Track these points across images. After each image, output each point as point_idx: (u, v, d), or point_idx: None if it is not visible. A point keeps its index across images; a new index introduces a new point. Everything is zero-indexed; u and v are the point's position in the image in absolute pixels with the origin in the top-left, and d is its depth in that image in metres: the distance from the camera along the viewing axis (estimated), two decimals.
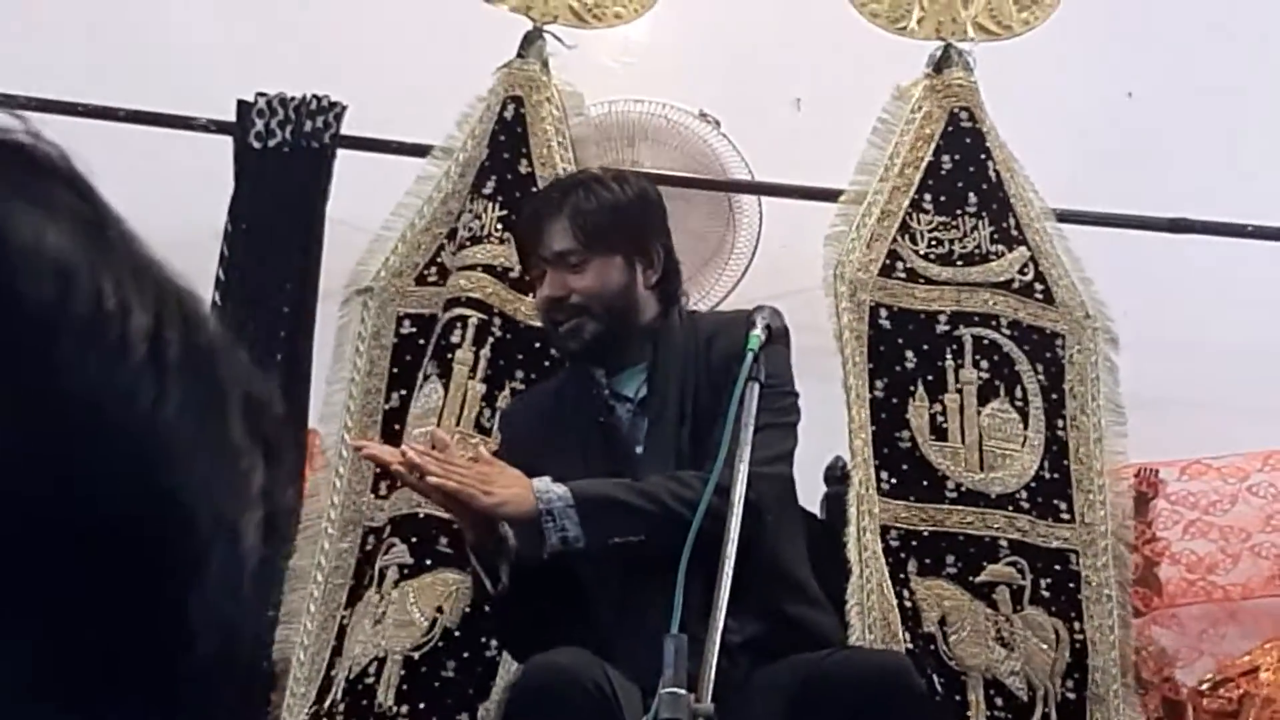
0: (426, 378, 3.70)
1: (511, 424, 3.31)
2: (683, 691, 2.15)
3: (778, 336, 3.05)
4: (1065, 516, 3.68)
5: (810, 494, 3.43)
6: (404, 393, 3.75)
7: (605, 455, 3.03)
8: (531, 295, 3.76)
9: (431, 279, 3.87)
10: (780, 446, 3.01)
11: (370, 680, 3.43)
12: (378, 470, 3.73)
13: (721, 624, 2.37)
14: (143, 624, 0.63)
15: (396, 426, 3.71)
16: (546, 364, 3.70)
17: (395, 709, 3.39)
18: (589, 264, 3.06)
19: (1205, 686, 4.04)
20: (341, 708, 3.42)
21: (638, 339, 3.07)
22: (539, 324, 3.74)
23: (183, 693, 0.65)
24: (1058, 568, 3.64)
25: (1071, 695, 3.56)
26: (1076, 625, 3.61)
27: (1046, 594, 3.61)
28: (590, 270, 3.06)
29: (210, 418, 0.65)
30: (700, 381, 3.00)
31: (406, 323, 3.85)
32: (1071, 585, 3.64)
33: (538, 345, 3.71)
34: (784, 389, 3.03)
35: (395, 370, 3.81)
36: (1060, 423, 3.76)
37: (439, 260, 3.88)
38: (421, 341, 3.78)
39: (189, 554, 0.64)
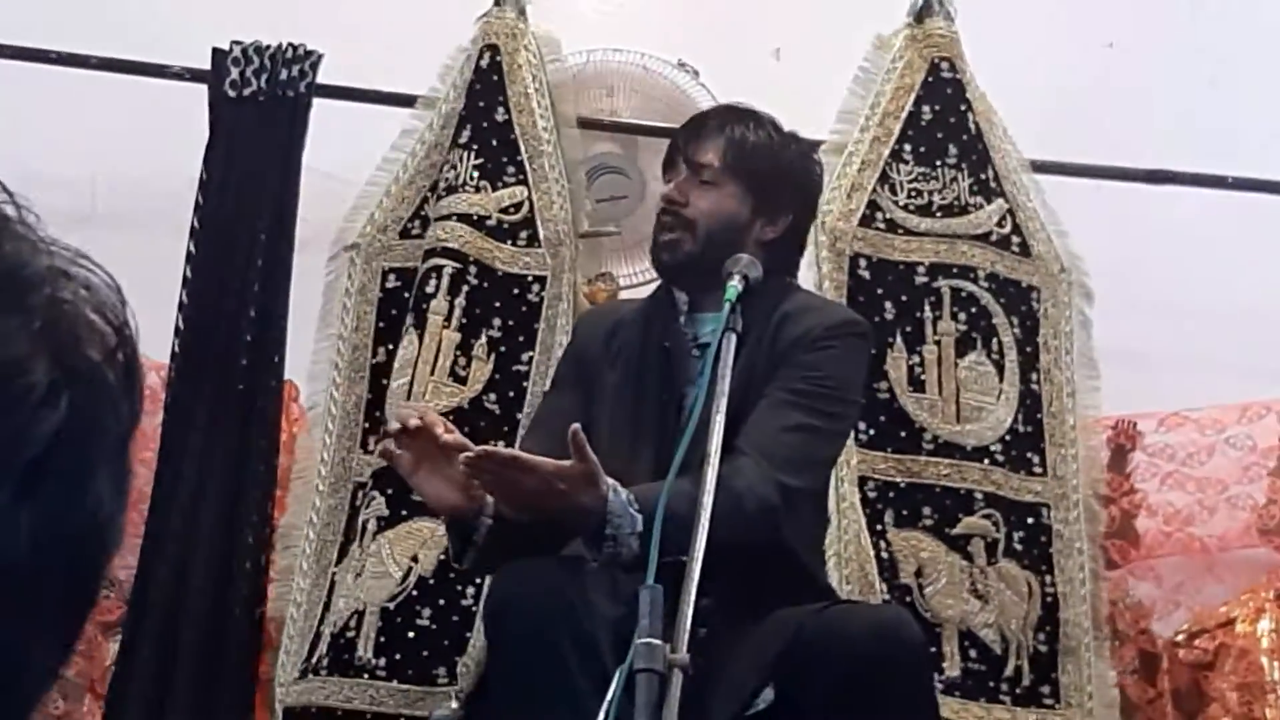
0: (405, 330, 3.69)
1: (584, 325, 3.26)
2: (658, 642, 2.12)
3: (846, 336, 2.98)
4: (1037, 470, 3.68)
5: None
6: (390, 347, 3.74)
7: (659, 382, 2.96)
8: (509, 243, 3.76)
9: (415, 232, 3.86)
10: (813, 452, 2.90)
11: (351, 634, 3.43)
12: (365, 426, 3.72)
13: (698, 576, 2.34)
14: None
15: (384, 381, 3.71)
16: (524, 309, 3.69)
17: (374, 661, 3.39)
18: (717, 187, 3.01)
19: (1181, 638, 4.05)
20: (325, 662, 3.42)
21: (749, 293, 2.84)
22: (516, 271, 3.73)
23: None
24: (1030, 521, 3.64)
25: (1043, 648, 3.57)
26: (1048, 578, 3.61)
27: (1019, 547, 3.61)
28: (715, 193, 3.01)
29: None
30: (760, 356, 2.94)
31: (391, 277, 3.84)
32: (1043, 539, 3.64)
33: (515, 292, 3.70)
34: (830, 387, 2.89)
35: (381, 325, 3.80)
36: (1034, 376, 3.75)
37: (422, 213, 3.86)
38: (406, 295, 3.77)
39: None
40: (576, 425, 2.58)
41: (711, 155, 3.04)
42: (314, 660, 3.45)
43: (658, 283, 3.18)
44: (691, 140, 3.08)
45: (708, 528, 2.32)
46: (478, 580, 3.43)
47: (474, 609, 3.40)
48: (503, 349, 3.66)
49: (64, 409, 0.67)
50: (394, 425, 2.66)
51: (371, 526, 3.52)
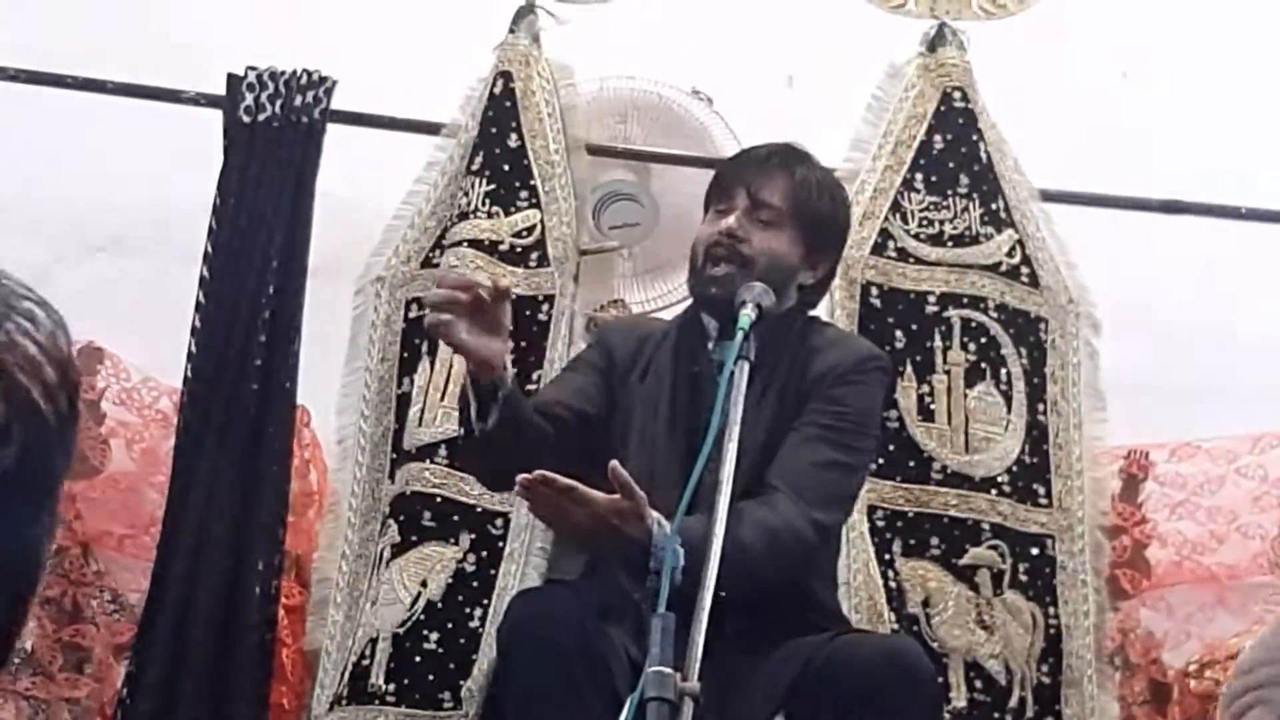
0: (421, 357, 3.69)
1: (611, 333, 3.25)
2: (669, 670, 2.12)
3: (870, 370, 3.03)
4: (1043, 501, 3.68)
5: None
6: (413, 377, 3.74)
7: (687, 403, 2.99)
8: (521, 267, 3.75)
9: (436, 261, 3.85)
10: (844, 488, 2.98)
11: (366, 662, 3.44)
12: (393, 457, 3.70)
13: (715, 608, 2.33)
14: None
15: (409, 411, 3.70)
16: (535, 329, 3.69)
17: (384, 688, 3.40)
18: (779, 229, 3.04)
19: (1192, 669, 4.04)
20: (346, 691, 3.44)
21: (761, 320, 2.87)
22: (528, 293, 3.72)
23: None
24: (1035, 552, 3.64)
25: (1046, 680, 3.58)
26: (1051, 610, 3.62)
27: (1024, 578, 3.61)
28: (777, 235, 3.03)
29: None
30: (790, 391, 2.97)
31: (414, 307, 3.83)
32: (1048, 570, 3.64)
33: (527, 314, 3.69)
34: (858, 422, 2.97)
35: (405, 355, 3.80)
36: (1041, 407, 3.75)
37: (443, 243, 3.86)
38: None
39: None
40: (615, 463, 2.59)
41: (778, 196, 3.06)
42: (340, 691, 3.46)
43: (669, 309, 3.19)
44: (757, 176, 3.08)
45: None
46: (484, 602, 3.44)
47: (480, 630, 3.41)
48: (515, 371, 3.66)
49: (15, 446, 0.67)
50: (439, 293, 2.72)
51: (386, 554, 3.53)
